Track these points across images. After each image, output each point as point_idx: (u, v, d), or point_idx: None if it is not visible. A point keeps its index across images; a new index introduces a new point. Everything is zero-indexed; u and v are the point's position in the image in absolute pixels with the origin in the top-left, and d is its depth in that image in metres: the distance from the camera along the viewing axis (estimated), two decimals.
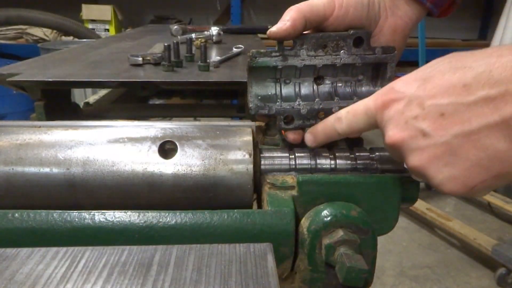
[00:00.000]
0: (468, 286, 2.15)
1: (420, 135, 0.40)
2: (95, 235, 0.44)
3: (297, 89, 0.57)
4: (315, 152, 0.55)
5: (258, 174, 0.54)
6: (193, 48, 1.12)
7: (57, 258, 0.39)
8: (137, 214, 0.45)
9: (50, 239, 0.43)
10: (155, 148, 0.51)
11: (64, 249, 0.40)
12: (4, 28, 3.48)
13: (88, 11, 3.73)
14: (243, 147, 0.52)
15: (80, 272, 0.37)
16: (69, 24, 3.16)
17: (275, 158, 0.55)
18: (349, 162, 0.54)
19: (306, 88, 0.57)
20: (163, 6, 4.63)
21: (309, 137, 0.54)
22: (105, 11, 3.74)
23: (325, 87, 0.57)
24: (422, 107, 0.40)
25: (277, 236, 0.45)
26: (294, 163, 0.54)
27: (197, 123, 0.58)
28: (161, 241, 0.44)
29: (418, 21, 0.59)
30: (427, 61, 0.44)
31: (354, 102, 0.50)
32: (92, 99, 1.35)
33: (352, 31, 0.53)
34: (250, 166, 0.51)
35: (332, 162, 0.54)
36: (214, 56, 1.14)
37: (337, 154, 0.54)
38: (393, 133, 0.42)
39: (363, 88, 0.58)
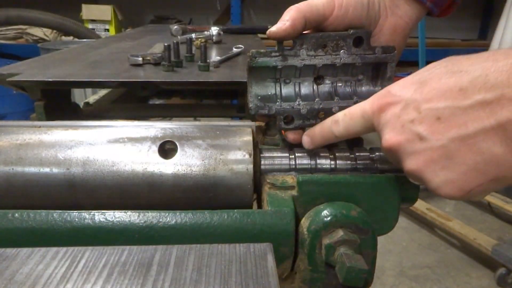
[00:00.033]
0: (468, 286, 2.15)
1: (416, 139, 0.40)
2: (95, 235, 0.44)
3: (297, 89, 0.57)
4: (315, 152, 0.55)
5: (258, 174, 0.54)
6: (193, 48, 1.12)
7: (57, 258, 0.39)
8: (137, 214, 0.45)
9: (50, 239, 0.43)
10: (155, 148, 0.51)
11: (64, 249, 0.40)
12: (4, 28, 3.47)
13: (88, 11, 3.73)
14: (243, 147, 0.52)
15: (80, 272, 0.37)
16: (69, 24, 3.16)
17: (275, 158, 0.55)
18: (349, 162, 0.54)
19: (306, 88, 0.57)
20: (163, 6, 4.62)
21: (307, 140, 0.54)
22: (105, 11, 3.74)
23: (325, 87, 0.57)
24: (419, 110, 0.40)
25: (277, 236, 0.45)
26: (294, 163, 0.54)
27: (197, 123, 0.58)
28: (161, 241, 0.43)
29: (418, 20, 0.59)
30: (427, 61, 0.44)
31: (354, 102, 0.50)
32: (92, 99, 1.35)
33: (352, 31, 0.53)
34: (250, 166, 0.51)
35: (332, 162, 0.54)
36: (214, 56, 1.14)
37: (337, 154, 0.54)
38: (389, 137, 0.42)
39: (363, 88, 0.57)
